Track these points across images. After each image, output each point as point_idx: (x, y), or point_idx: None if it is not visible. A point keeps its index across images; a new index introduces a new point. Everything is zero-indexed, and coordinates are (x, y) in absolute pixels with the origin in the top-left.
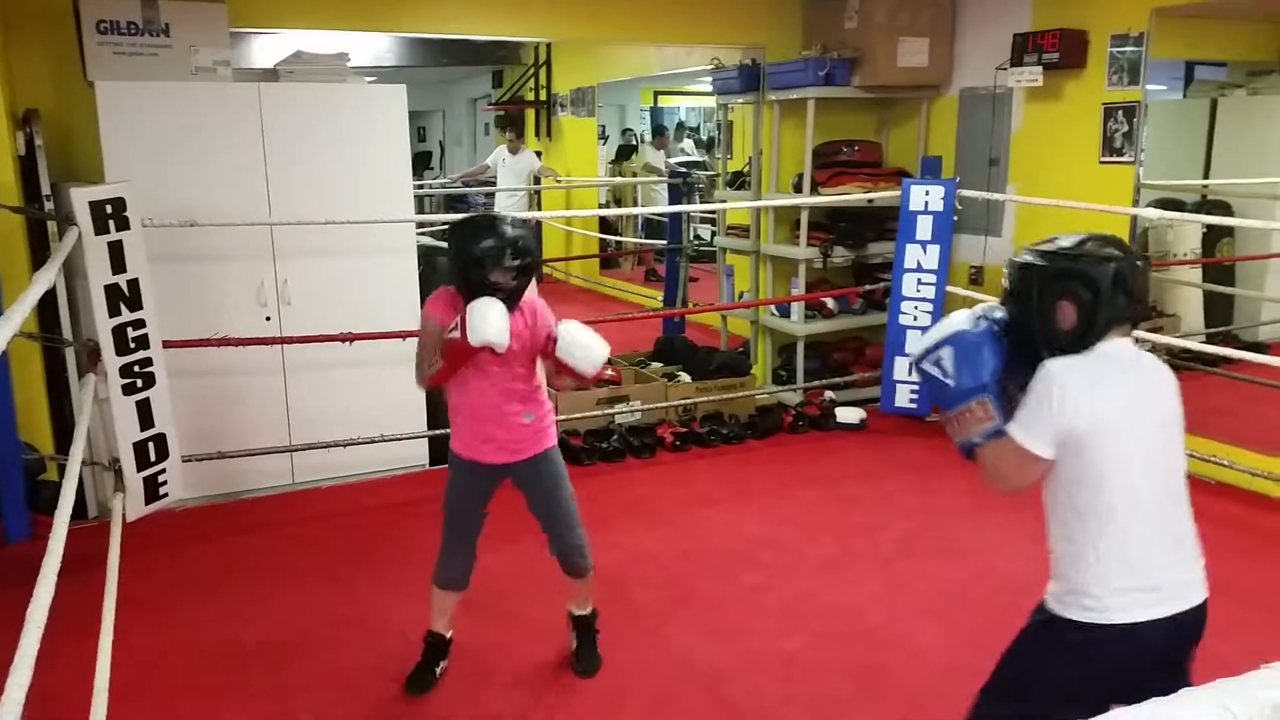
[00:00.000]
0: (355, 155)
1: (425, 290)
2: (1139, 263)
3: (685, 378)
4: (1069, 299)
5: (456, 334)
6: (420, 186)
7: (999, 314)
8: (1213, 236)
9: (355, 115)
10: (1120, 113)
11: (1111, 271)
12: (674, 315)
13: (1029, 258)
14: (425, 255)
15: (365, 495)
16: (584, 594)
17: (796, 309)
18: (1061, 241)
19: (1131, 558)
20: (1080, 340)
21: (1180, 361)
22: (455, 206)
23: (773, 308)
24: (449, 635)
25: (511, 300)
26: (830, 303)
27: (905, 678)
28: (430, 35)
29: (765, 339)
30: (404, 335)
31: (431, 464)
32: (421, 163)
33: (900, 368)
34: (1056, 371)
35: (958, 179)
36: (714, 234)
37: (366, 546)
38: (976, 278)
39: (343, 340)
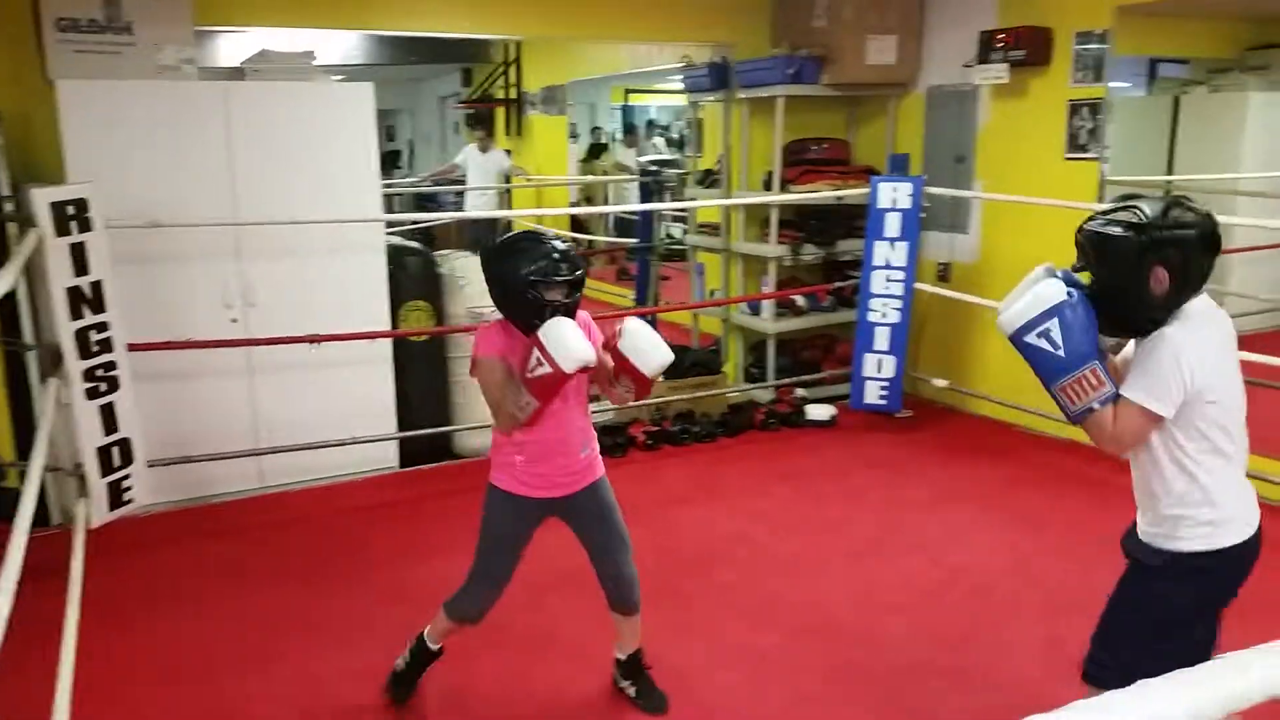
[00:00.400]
0: (322, 154)
1: (395, 290)
2: (1215, 223)
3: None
4: (1164, 265)
5: (545, 369)
6: (389, 185)
7: (1067, 279)
8: None
9: (322, 114)
10: (1085, 109)
11: (1197, 236)
12: (645, 314)
13: (1115, 229)
14: (395, 255)
15: (335, 498)
16: (634, 631)
17: (767, 307)
18: (1146, 209)
19: (1235, 490)
20: (1174, 302)
21: None
22: (425, 206)
23: (744, 306)
24: (439, 648)
25: (570, 317)
26: (800, 300)
27: (876, 673)
28: (398, 33)
29: (736, 337)
30: (372, 336)
31: (402, 465)
32: (390, 161)
33: (870, 364)
34: (1178, 340)
35: (925, 176)
36: (685, 232)
37: (338, 550)
38: (944, 274)
39: (310, 341)
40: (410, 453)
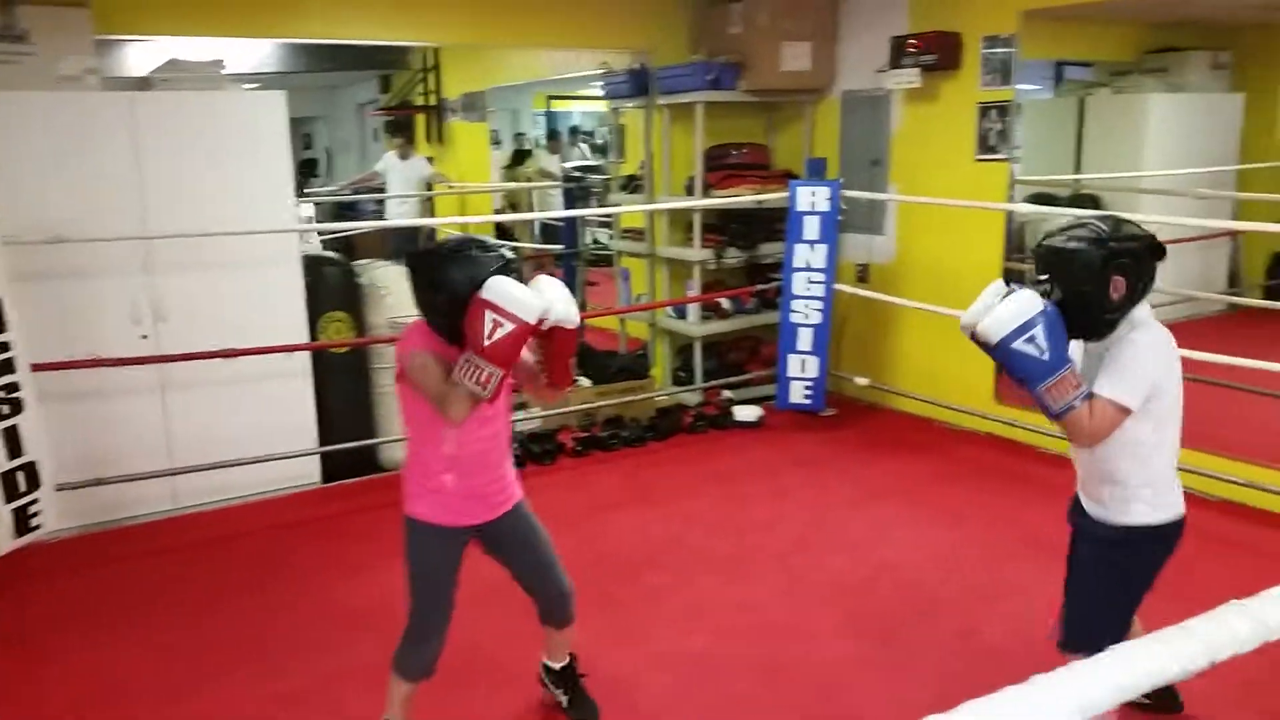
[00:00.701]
0: (234, 165)
1: (313, 301)
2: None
3: (585, 382)
4: (1121, 274)
5: (505, 328)
6: (307, 194)
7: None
8: None
9: (233, 124)
10: (994, 111)
11: (1145, 247)
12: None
13: (1077, 244)
14: (312, 265)
15: (255, 516)
16: (567, 640)
17: (693, 310)
18: (1101, 225)
19: (1173, 473)
20: (1128, 307)
21: None
22: (345, 215)
23: (669, 309)
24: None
25: None
26: (725, 303)
27: (807, 671)
28: (311, 41)
29: (663, 341)
30: (290, 349)
31: (325, 481)
32: (308, 170)
33: (794, 365)
34: (1145, 343)
35: (842, 180)
36: (611, 237)
37: (258, 570)
38: (863, 275)
39: (225, 356)
40: (333, 467)
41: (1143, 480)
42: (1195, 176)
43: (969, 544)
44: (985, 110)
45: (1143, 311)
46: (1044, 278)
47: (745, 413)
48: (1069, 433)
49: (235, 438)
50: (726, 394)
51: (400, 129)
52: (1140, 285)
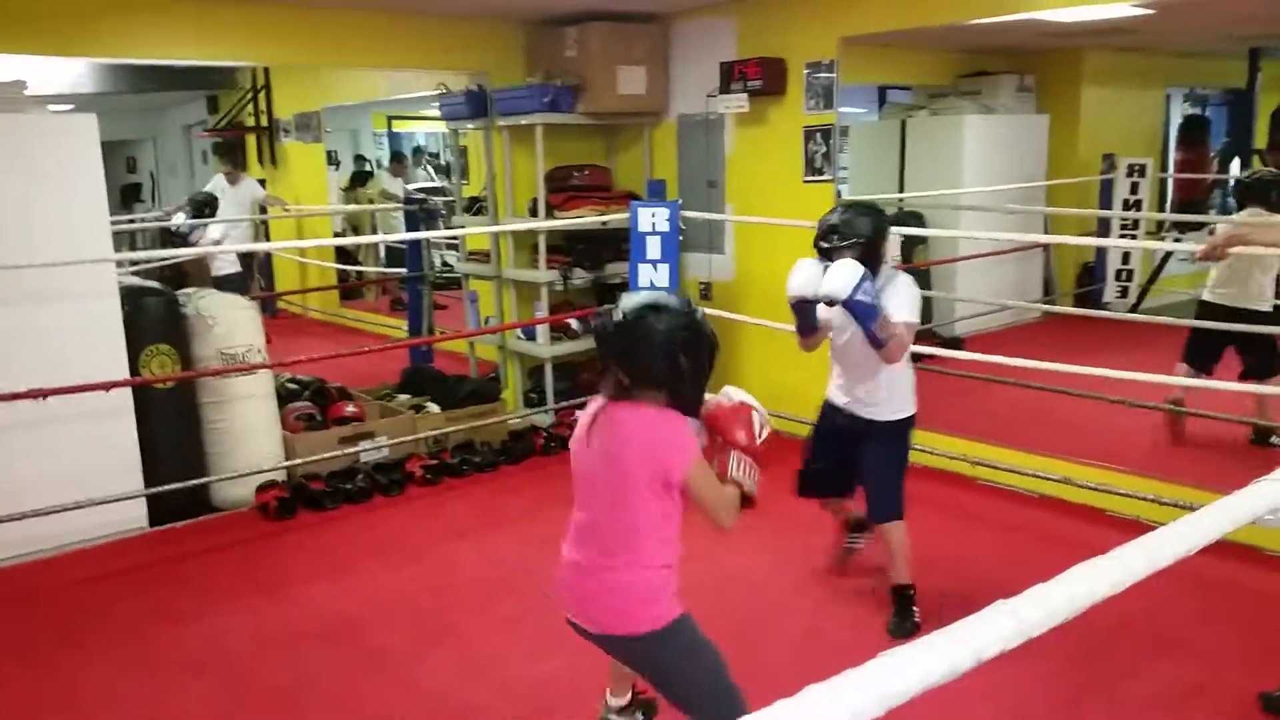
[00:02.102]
0: (40, 192)
1: (134, 334)
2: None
3: (434, 408)
4: (883, 234)
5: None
6: (131, 220)
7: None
8: (910, 244)
9: (39, 148)
10: (819, 135)
11: (895, 218)
12: (419, 345)
13: (863, 212)
14: (132, 296)
15: (75, 567)
16: None
17: (542, 331)
18: (866, 204)
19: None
20: (884, 256)
21: None
22: (174, 241)
23: (519, 331)
24: None
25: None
26: (574, 323)
27: None
28: (128, 60)
29: (514, 363)
30: (107, 386)
31: (152, 524)
32: (132, 195)
33: None
34: (908, 280)
35: (680, 201)
36: (459, 260)
37: (78, 625)
38: (706, 293)
39: (33, 397)
40: (162, 510)
41: (905, 381)
42: (1009, 192)
43: (812, 550)
44: (810, 134)
45: (890, 261)
46: (851, 240)
47: None
48: (888, 354)
49: (49, 484)
50: (580, 414)
51: (229, 151)
52: (889, 242)
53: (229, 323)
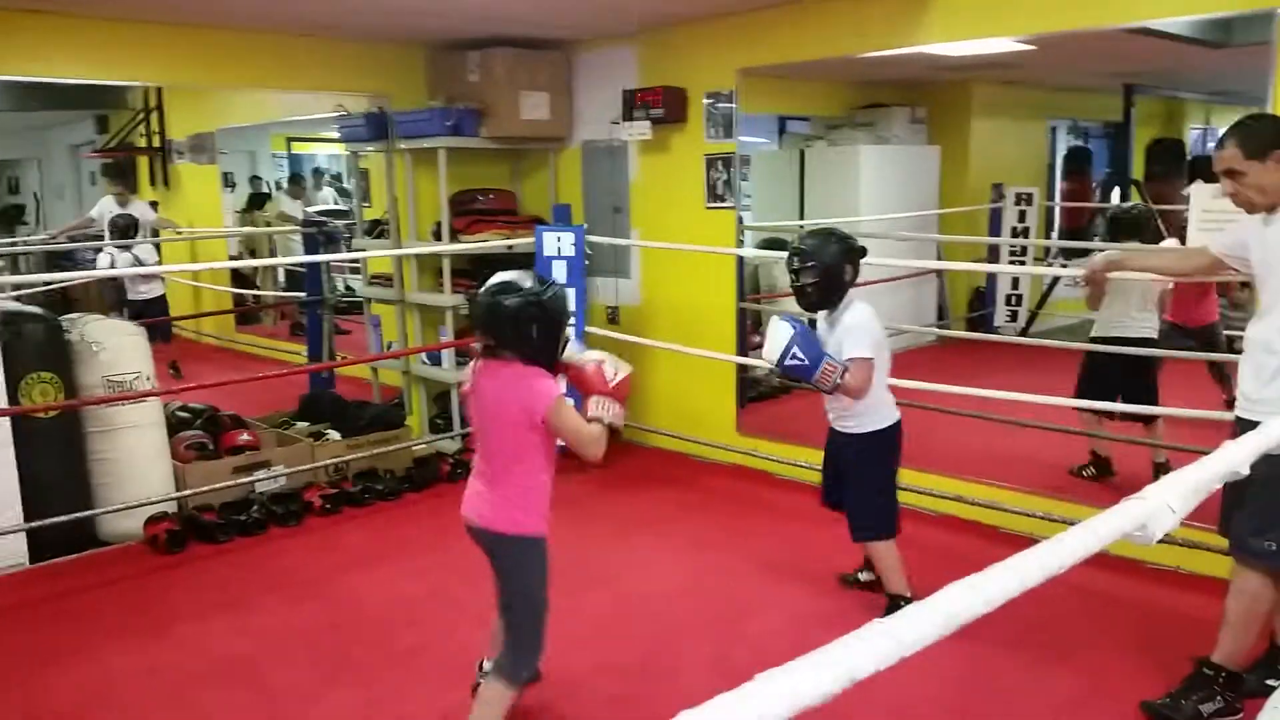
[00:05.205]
0: None
1: (12, 362)
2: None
3: (334, 436)
4: (852, 263)
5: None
6: (12, 244)
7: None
8: None
9: None
10: (720, 163)
11: (859, 248)
12: (319, 370)
13: (827, 241)
14: (9, 322)
15: None
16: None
17: (447, 356)
18: (832, 232)
19: (888, 392)
20: (849, 288)
21: None
22: (61, 265)
23: (424, 356)
24: None
25: None
26: (479, 348)
27: (565, 715)
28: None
29: (419, 388)
30: None
31: (34, 561)
32: (14, 217)
33: None
34: (868, 313)
35: (585, 226)
36: (362, 284)
37: None
38: (613, 317)
39: None
40: (44, 544)
41: (876, 399)
42: (903, 220)
43: (717, 570)
44: (711, 161)
45: (854, 293)
46: (810, 264)
47: None
48: (846, 394)
49: None
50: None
51: (119, 172)
52: (856, 273)
53: (115, 349)
